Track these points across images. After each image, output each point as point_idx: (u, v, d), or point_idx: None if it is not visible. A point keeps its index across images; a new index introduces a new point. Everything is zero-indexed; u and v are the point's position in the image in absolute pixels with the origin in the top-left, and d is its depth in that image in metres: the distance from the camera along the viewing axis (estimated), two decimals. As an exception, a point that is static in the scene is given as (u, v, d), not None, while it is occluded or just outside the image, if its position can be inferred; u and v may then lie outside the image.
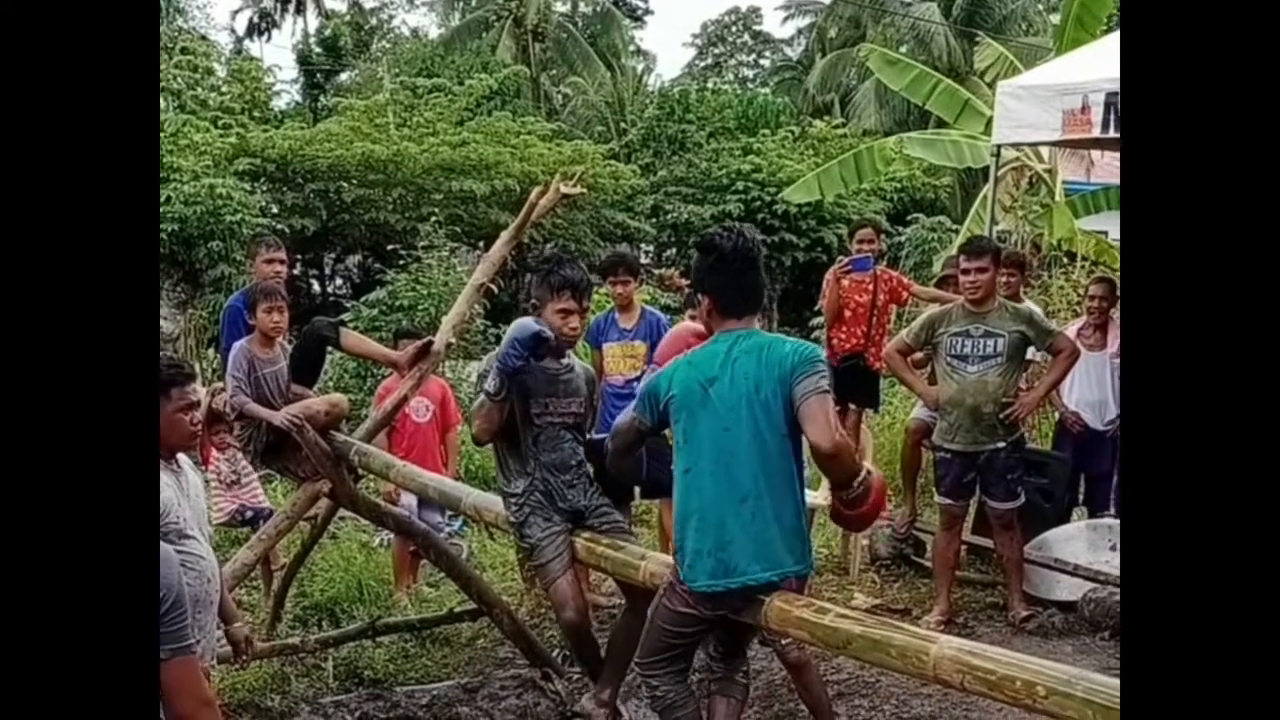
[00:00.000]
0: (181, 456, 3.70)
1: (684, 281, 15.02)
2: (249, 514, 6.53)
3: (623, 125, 26.64)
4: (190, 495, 3.62)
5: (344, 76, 33.56)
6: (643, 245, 22.87)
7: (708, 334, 3.71)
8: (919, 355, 6.18)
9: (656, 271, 17.55)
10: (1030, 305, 6.58)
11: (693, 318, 6.52)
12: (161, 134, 15.72)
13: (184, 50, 21.77)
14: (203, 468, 6.16)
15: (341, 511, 5.84)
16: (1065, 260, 11.36)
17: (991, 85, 14.79)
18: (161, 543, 2.46)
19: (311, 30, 38.94)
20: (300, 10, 41.37)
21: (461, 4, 36.57)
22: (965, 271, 5.76)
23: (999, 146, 7.50)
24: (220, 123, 17.77)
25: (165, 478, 3.45)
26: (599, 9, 38.14)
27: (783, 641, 4.13)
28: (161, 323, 14.63)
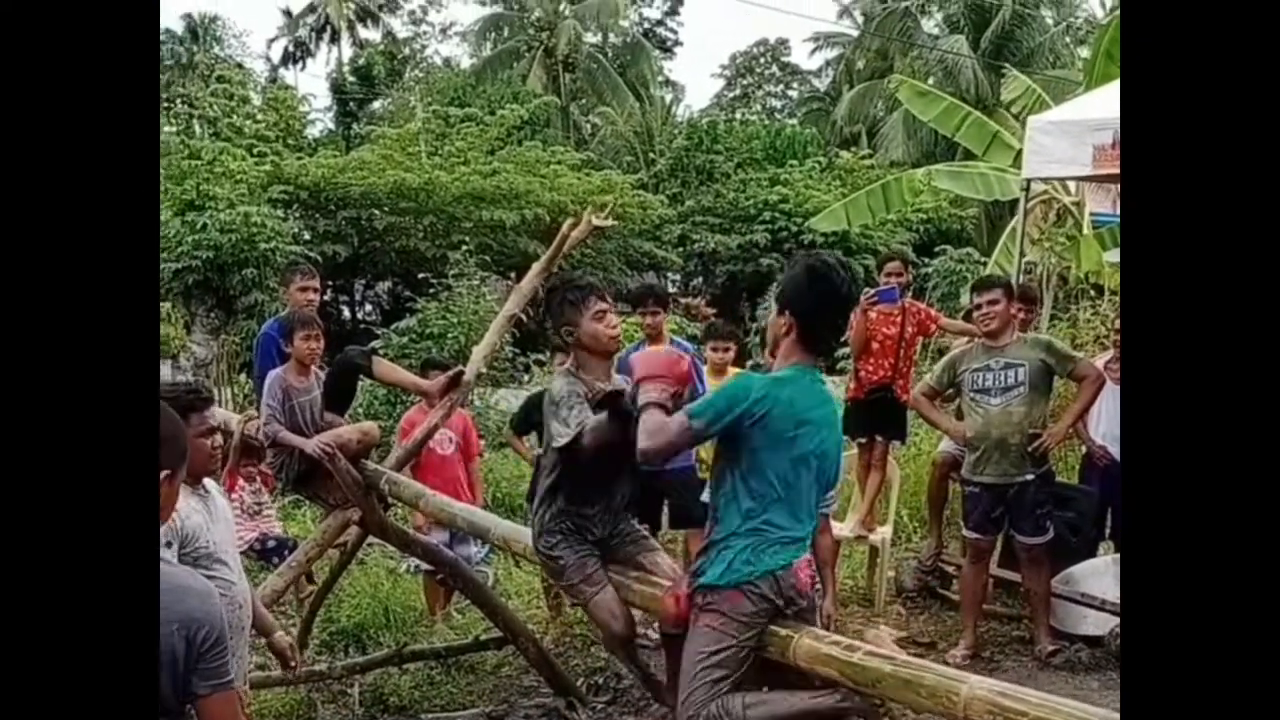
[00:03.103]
0: (209, 482, 3.74)
1: (710, 311, 15.07)
2: (270, 543, 6.59)
3: (651, 155, 26.81)
4: (220, 519, 3.65)
5: (377, 105, 33.95)
6: (669, 274, 22.96)
7: (771, 350, 3.65)
8: (949, 392, 6.20)
9: (683, 300, 17.62)
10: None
11: (714, 349, 6.56)
12: (199, 162, 15.96)
13: (220, 78, 22.10)
14: (227, 496, 6.23)
15: (369, 538, 5.88)
16: (1093, 293, 11.33)
17: (1018, 118, 14.81)
18: (202, 576, 2.50)
19: (345, 59, 39.45)
20: (335, 40, 41.88)
21: (493, 34, 36.96)
22: (977, 306, 5.86)
23: (1028, 180, 7.50)
24: (255, 150, 18.00)
25: (193, 503, 3.47)
26: (629, 40, 38.48)
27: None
28: (195, 348, 14.81)
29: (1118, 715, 2.69)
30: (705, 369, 6.33)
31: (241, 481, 6.57)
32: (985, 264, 13.84)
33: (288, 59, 42.60)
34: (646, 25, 43.04)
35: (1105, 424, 6.74)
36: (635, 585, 3.97)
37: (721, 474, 3.52)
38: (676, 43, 44.80)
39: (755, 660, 3.56)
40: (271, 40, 43.69)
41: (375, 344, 11.95)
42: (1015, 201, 10.69)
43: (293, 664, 4.27)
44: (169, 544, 3.31)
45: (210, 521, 3.55)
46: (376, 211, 18.58)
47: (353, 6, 42.07)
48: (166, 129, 19.56)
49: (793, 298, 3.50)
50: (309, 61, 42.87)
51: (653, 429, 3.40)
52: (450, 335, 12.47)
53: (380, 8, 43.01)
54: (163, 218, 14.97)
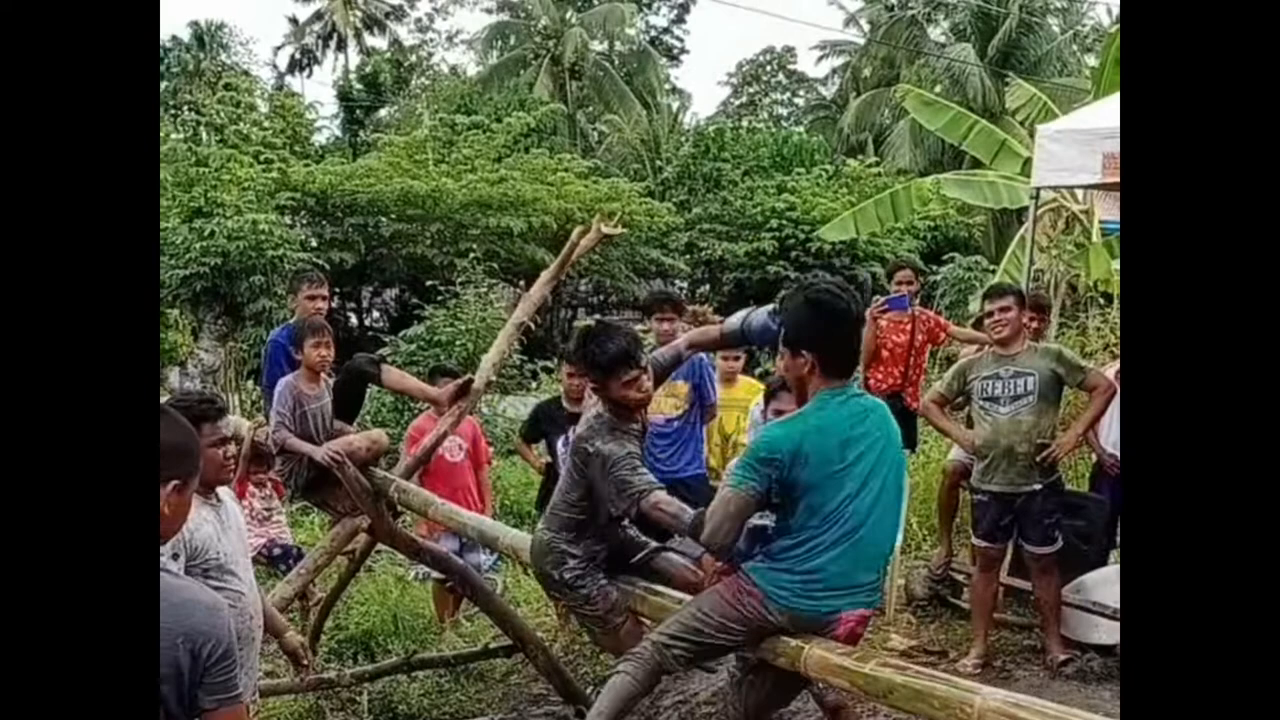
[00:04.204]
0: (223, 490, 3.72)
1: (717, 318, 15.09)
2: (276, 551, 6.60)
3: (658, 163, 26.80)
4: (232, 529, 3.64)
5: (383, 113, 34.00)
6: (676, 281, 22.96)
7: (798, 391, 3.57)
8: (959, 400, 6.18)
9: (690, 308, 17.61)
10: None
11: (724, 358, 6.55)
12: (206, 169, 16.00)
13: (227, 86, 22.17)
14: (238, 502, 6.23)
15: (378, 545, 5.87)
16: (1102, 301, 11.31)
17: (1024, 124, 14.79)
18: (211, 589, 2.48)
19: (352, 67, 39.50)
20: (341, 47, 41.96)
21: (500, 42, 36.98)
22: (989, 313, 5.83)
23: (1038, 189, 7.47)
24: (262, 158, 18.03)
25: (204, 513, 3.45)
26: (635, 47, 38.47)
27: (819, 684, 4.11)
28: (202, 354, 14.84)
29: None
30: (715, 377, 6.32)
31: (252, 488, 6.58)
32: (994, 272, 13.82)
33: (294, 66, 42.69)
34: (653, 33, 43.05)
35: (1116, 432, 6.71)
36: (646, 596, 3.97)
37: (781, 514, 3.44)
38: (683, 50, 44.90)
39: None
40: (278, 48, 43.80)
41: (383, 351, 11.96)
42: (1023, 209, 10.67)
43: (305, 663, 4.26)
44: (176, 555, 3.30)
45: (221, 532, 3.53)
46: (384, 219, 18.61)
47: (359, 14, 42.15)
48: (174, 136, 19.63)
49: (804, 336, 3.41)
50: (315, 69, 43.00)
51: (707, 518, 3.42)
52: (458, 342, 12.49)
53: (387, 15, 43.09)
54: (170, 224, 15.02)
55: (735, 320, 4.03)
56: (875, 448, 3.40)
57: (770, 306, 3.87)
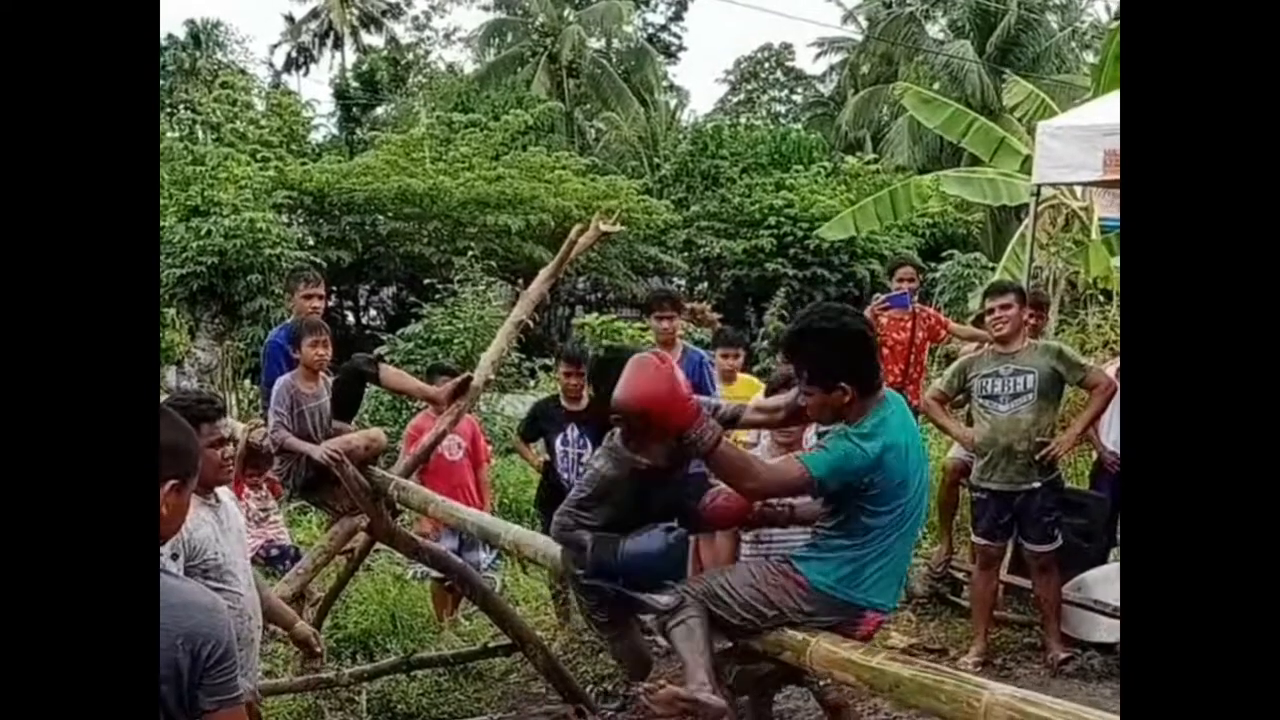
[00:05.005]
0: (222, 491, 3.70)
1: (715, 316, 15.08)
2: (274, 551, 6.58)
3: (656, 160, 26.79)
4: (231, 530, 3.62)
5: (380, 111, 33.97)
6: (674, 279, 22.94)
7: (828, 418, 3.56)
8: (960, 398, 6.17)
9: (688, 305, 17.59)
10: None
11: (724, 356, 6.52)
12: (203, 167, 15.97)
13: (224, 84, 22.16)
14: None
15: (376, 544, 5.85)
16: (1101, 298, 11.28)
17: (1022, 121, 14.78)
18: (210, 589, 2.46)
19: (349, 65, 39.46)
20: (338, 45, 41.91)
21: (497, 40, 36.91)
22: (990, 310, 5.83)
23: (1039, 186, 7.45)
24: (259, 156, 18.01)
25: (203, 514, 3.43)
26: (633, 45, 38.40)
27: (821, 682, 4.10)
28: (199, 353, 14.81)
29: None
30: (715, 375, 6.30)
31: (248, 489, 6.56)
32: (993, 269, 13.81)
33: (291, 64, 42.65)
34: (650, 30, 42.98)
35: (1117, 430, 6.70)
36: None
37: (839, 515, 3.44)
38: (680, 48, 44.79)
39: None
40: (274, 46, 43.77)
41: (381, 350, 11.93)
42: (1022, 206, 10.65)
43: (318, 650, 4.24)
44: (175, 555, 3.28)
45: (220, 532, 3.51)
46: (381, 217, 18.59)
47: (356, 12, 42.10)
48: (170, 134, 19.60)
49: (838, 371, 3.35)
50: (312, 67, 42.95)
51: (766, 471, 3.35)
52: (456, 341, 12.46)
53: (384, 13, 43.03)
54: (167, 223, 14.98)
55: (794, 395, 4.00)
56: (918, 449, 3.46)
57: None
